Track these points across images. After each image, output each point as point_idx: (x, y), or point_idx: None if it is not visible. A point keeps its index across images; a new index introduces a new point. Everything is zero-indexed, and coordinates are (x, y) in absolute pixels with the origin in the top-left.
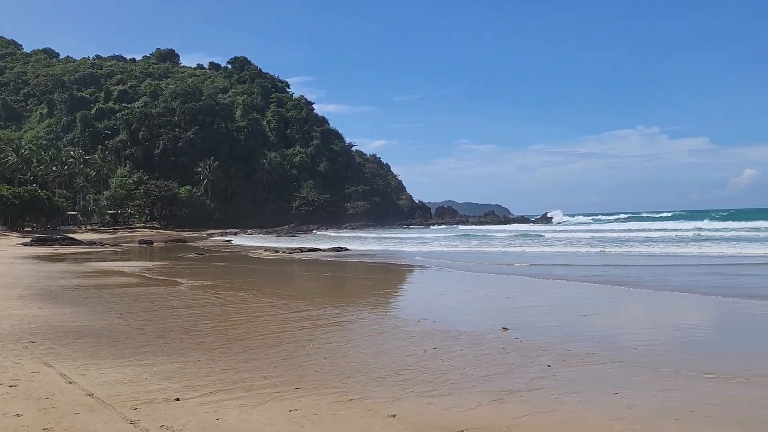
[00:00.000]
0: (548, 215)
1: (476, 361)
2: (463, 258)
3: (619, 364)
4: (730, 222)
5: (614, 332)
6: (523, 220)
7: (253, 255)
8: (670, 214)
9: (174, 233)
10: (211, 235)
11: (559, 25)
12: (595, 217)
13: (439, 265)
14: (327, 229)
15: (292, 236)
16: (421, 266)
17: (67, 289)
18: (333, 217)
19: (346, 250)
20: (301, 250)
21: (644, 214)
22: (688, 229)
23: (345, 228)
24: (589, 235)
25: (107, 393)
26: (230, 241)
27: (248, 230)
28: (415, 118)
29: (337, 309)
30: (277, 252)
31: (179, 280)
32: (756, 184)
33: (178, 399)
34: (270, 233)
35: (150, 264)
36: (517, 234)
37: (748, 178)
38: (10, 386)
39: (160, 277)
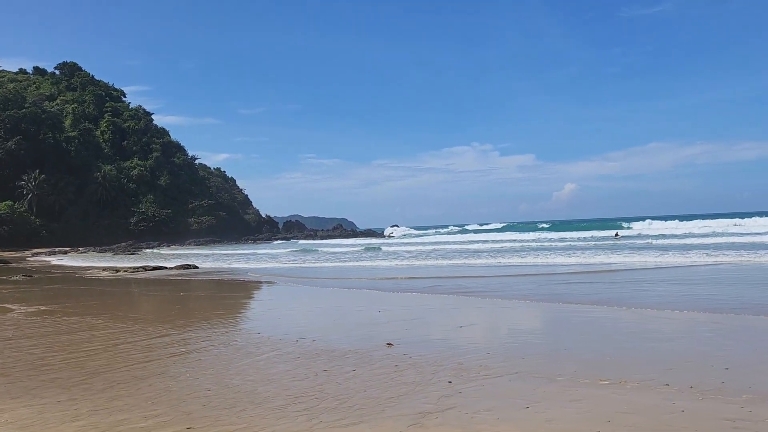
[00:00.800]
0: (390, 229)
1: (374, 382)
2: (317, 273)
3: (516, 375)
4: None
5: (496, 342)
6: (370, 233)
7: (90, 276)
8: (501, 225)
9: None
10: (37, 254)
11: (400, 46)
12: (438, 229)
13: (296, 282)
14: (170, 246)
15: (132, 254)
16: (276, 283)
17: None
18: (176, 233)
19: (195, 267)
20: (145, 268)
21: (491, 225)
22: (525, 240)
23: (189, 244)
24: (432, 248)
25: None
26: (61, 260)
27: (80, 248)
28: (260, 131)
29: (203, 331)
30: (117, 271)
31: (9, 306)
32: (575, 197)
33: None
34: (106, 251)
35: None
36: (365, 247)
37: (569, 192)
38: None
39: None
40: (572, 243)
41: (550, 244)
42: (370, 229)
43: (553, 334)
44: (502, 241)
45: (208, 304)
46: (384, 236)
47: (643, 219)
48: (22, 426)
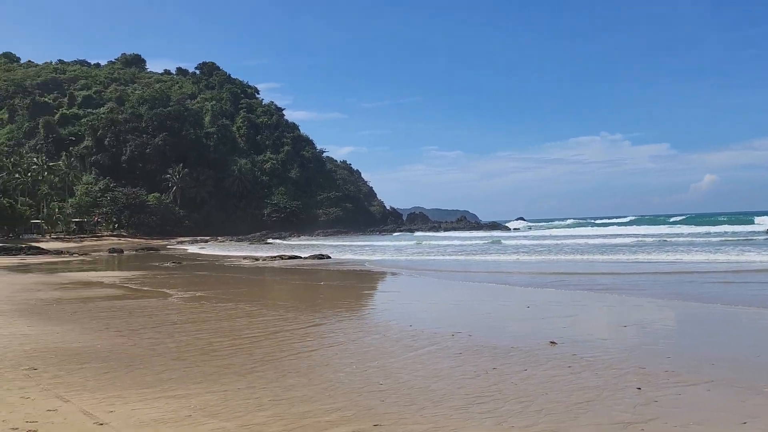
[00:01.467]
0: (515, 222)
1: (552, 384)
2: (448, 266)
3: (712, 384)
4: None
5: (672, 345)
6: (494, 225)
7: (233, 264)
8: (629, 219)
9: (143, 241)
10: (181, 242)
11: (522, 36)
12: (560, 221)
13: (428, 274)
14: (299, 236)
15: (265, 243)
16: (408, 275)
17: (48, 302)
18: (305, 224)
19: (328, 257)
20: (282, 257)
21: (617, 219)
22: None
23: (318, 235)
24: (558, 242)
25: None
26: (203, 249)
27: (219, 238)
28: (383, 125)
29: (353, 321)
30: (256, 260)
31: (167, 291)
32: (715, 188)
33: None
34: (242, 241)
35: (128, 274)
36: (491, 240)
37: (709, 183)
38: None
39: (145, 288)
40: (717, 238)
41: (688, 239)
42: (494, 222)
43: (731, 339)
44: (635, 235)
45: (349, 294)
46: (509, 229)
47: None
48: (212, 413)
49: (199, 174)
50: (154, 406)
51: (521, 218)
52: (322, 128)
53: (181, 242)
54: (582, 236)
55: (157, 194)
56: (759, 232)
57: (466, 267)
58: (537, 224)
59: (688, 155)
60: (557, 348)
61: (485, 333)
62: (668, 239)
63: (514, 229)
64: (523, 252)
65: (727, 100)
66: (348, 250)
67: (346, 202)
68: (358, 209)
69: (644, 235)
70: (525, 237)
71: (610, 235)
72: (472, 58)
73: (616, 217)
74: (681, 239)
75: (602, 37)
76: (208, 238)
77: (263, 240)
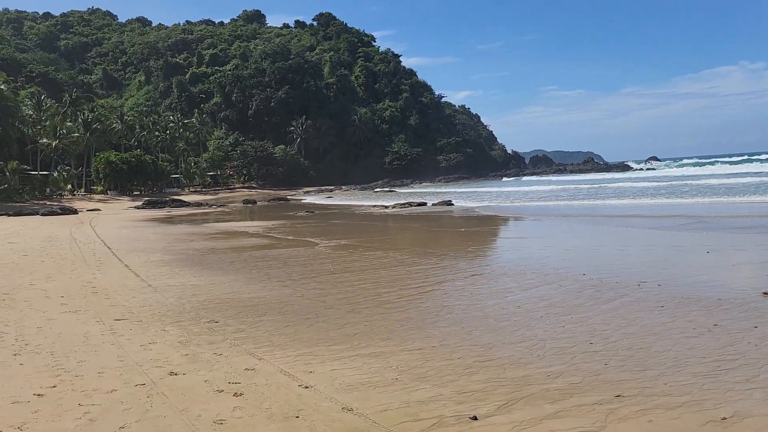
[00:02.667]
0: (650, 162)
1: None
2: (615, 210)
3: None
4: None
5: None
6: (624, 167)
7: (364, 212)
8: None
9: (272, 192)
10: (308, 192)
11: None
12: (701, 160)
13: (582, 221)
14: (421, 183)
15: (389, 192)
16: (555, 220)
17: (204, 252)
18: (426, 170)
19: (452, 204)
20: (410, 204)
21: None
22: None
23: (439, 181)
24: (705, 181)
25: (372, 408)
26: (330, 198)
27: (343, 187)
28: (499, 67)
29: (514, 270)
30: (386, 208)
31: (312, 240)
32: None
33: (474, 418)
34: (365, 189)
35: (267, 223)
36: (619, 181)
37: None
38: (236, 395)
39: (290, 238)
40: None
41: None
42: (623, 162)
43: None
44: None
45: (496, 241)
46: (639, 169)
47: None
48: (419, 376)
49: (321, 125)
50: (353, 366)
51: (654, 157)
52: (437, 73)
53: (308, 192)
54: (715, 175)
55: (282, 146)
56: None
57: (615, 211)
58: (670, 163)
59: None
60: None
61: (674, 282)
62: None
63: (648, 169)
64: (681, 194)
65: None
66: (474, 196)
67: (467, 147)
68: (478, 154)
69: None
70: (670, 177)
71: (740, 173)
72: None
73: (757, 154)
74: None
75: None
76: (332, 187)
77: (385, 188)
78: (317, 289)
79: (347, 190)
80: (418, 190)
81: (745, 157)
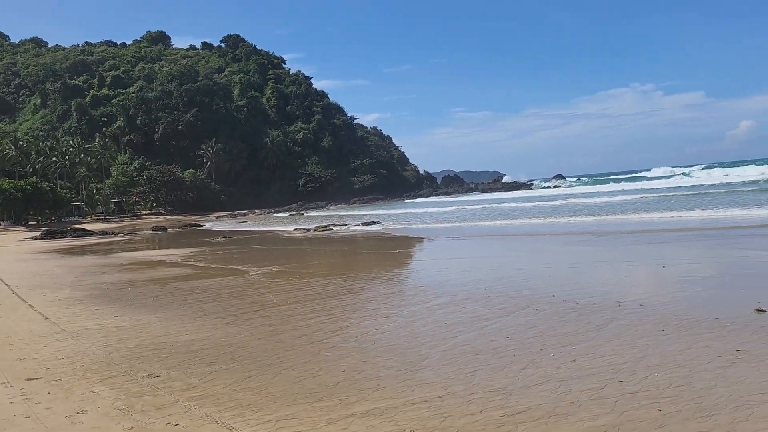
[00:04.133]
0: (554, 180)
1: None
2: (545, 228)
3: None
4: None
5: None
6: (530, 185)
7: (286, 236)
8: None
9: (182, 218)
10: (220, 218)
11: None
12: (599, 178)
13: (531, 240)
14: (336, 205)
15: (305, 215)
16: (499, 239)
17: (122, 287)
18: (340, 192)
19: (379, 223)
20: (332, 227)
21: (645, 173)
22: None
23: (354, 203)
24: (639, 196)
25: None
26: (244, 222)
27: (256, 211)
28: (407, 89)
29: (484, 298)
30: (308, 231)
31: (239, 267)
32: (753, 134)
33: None
34: (280, 212)
35: (185, 251)
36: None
37: (745, 130)
38: None
39: (214, 266)
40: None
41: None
42: (530, 180)
43: None
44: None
45: (434, 264)
46: (549, 187)
47: None
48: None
49: (232, 148)
50: None
51: (560, 175)
52: (347, 96)
53: (220, 217)
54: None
55: (192, 170)
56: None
57: (543, 229)
58: (576, 180)
59: (723, 102)
60: (766, 315)
61: (653, 301)
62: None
63: (554, 186)
64: (590, 212)
65: (762, 40)
66: (395, 217)
67: (380, 169)
68: (392, 175)
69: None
70: (576, 195)
71: (613, 192)
72: (493, 13)
73: (645, 170)
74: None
75: None
76: (245, 211)
77: (301, 211)
78: (266, 325)
79: (261, 214)
80: (333, 213)
81: (641, 173)
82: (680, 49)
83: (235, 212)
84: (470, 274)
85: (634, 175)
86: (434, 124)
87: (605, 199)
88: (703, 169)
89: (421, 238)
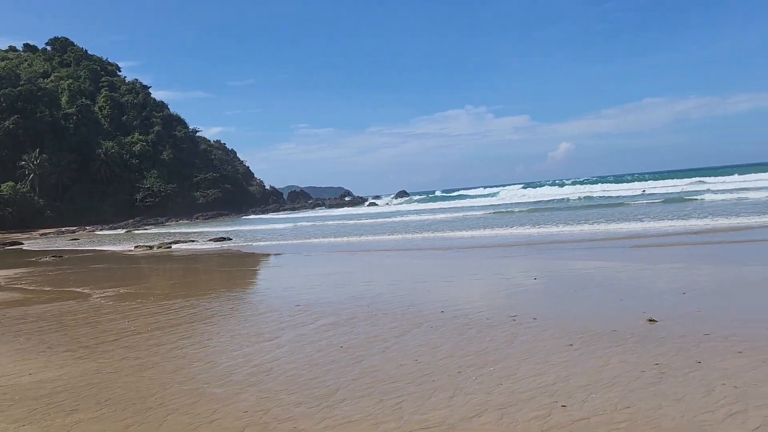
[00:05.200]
0: (397, 198)
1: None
2: (396, 244)
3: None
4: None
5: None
6: (375, 201)
7: (127, 254)
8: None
9: (1, 236)
10: (46, 235)
11: (385, 10)
12: (445, 193)
13: (388, 255)
14: (178, 221)
15: (144, 231)
16: (356, 254)
17: None
18: (183, 207)
19: (230, 240)
20: (179, 243)
21: (472, 191)
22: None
23: (198, 218)
24: (483, 212)
25: None
26: (77, 240)
27: (88, 227)
28: (251, 104)
29: (370, 316)
30: (151, 248)
31: (78, 290)
32: (570, 156)
33: None
34: (116, 228)
35: (9, 273)
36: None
37: (564, 151)
38: None
39: (47, 289)
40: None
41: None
42: (376, 196)
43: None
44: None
45: (304, 279)
46: (391, 204)
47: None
48: None
49: (59, 159)
50: None
51: (403, 192)
52: (187, 108)
53: (45, 234)
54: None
55: (11, 183)
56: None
57: (400, 245)
58: (418, 197)
59: (546, 125)
60: (659, 326)
61: (545, 314)
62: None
63: (388, 203)
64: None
65: (580, 72)
66: (244, 233)
67: (225, 183)
68: (237, 190)
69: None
70: (422, 211)
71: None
72: (339, 32)
73: (473, 188)
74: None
75: (469, 13)
76: (75, 228)
77: (139, 227)
78: (131, 358)
79: (94, 231)
80: (177, 230)
81: (470, 191)
82: (509, 76)
83: (63, 229)
84: (345, 291)
85: (461, 192)
86: (279, 139)
87: (438, 215)
88: (544, 186)
89: (278, 254)
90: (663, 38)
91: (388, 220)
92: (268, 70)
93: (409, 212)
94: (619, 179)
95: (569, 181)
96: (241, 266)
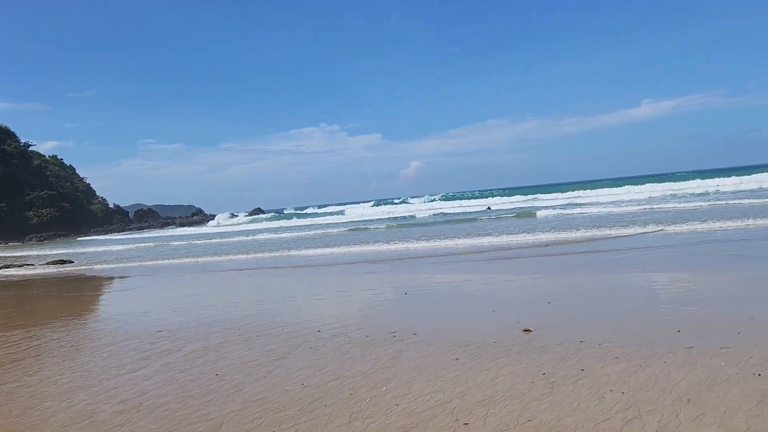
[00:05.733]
0: (247, 214)
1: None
2: (282, 262)
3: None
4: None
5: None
6: (228, 219)
7: None
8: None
9: None
10: None
11: (243, 23)
12: (300, 210)
13: (250, 273)
14: (8, 243)
15: None
16: (211, 273)
17: None
18: (13, 228)
19: (71, 262)
20: (11, 267)
21: (322, 209)
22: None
23: (31, 240)
24: (320, 231)
25: None
26: None
27: None
28: (93, 117)
29: (243, 340)
30: None
31: None
32: (421, 174)
33: None
34: None
35: None
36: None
37: (414, 169)
38: None
39: None
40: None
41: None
42: (233, 214)
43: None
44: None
45: (160, 303)
46: (239, 223)
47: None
48: None
49: None
50: None
51: (259, 209)
52: (19, 120)
53: None
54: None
55: None
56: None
57: (251, 264)
58: (272, 215)
59: (397, 144)
60: (534, 335)
61: (421, 328)
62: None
63: (236, 222)
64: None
65: (429, 93)
66: (85, 256)
67: (63, 202)
68: (77, 209)
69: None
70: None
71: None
72: (193, 46)
73: (327, 205)
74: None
75: (323, 33)
76: None
77: None
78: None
79: None
80: (8, 254)
81: (321, 210)
82: (362, 96)
83: None
84: (211, 313)
85: (309, 210)
86: (124, 154)
87: (293, 233)
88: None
89: (127, 277)
90: (507, 62)
91: (245, 238)
92: (109, 80)
93: (264, 230)
94: (467, 196)
95: (421, 199)
96: (87, 291)
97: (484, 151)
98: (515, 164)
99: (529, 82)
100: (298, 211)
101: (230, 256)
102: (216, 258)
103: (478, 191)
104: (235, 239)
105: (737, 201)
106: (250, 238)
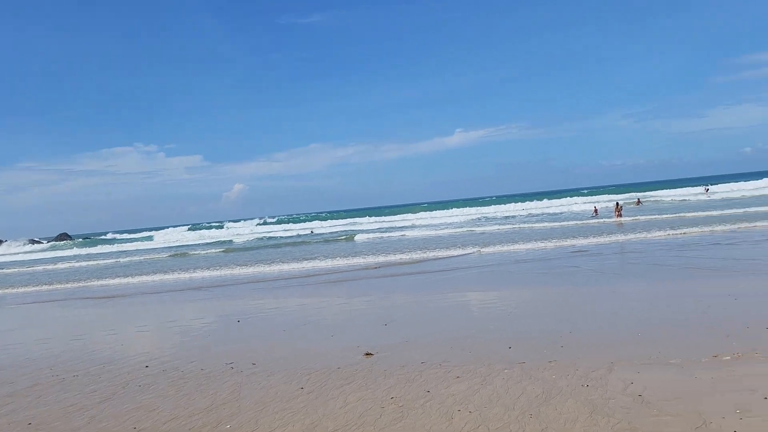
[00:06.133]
0: (60, 238)
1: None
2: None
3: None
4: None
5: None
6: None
7: None
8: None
9: None
10: None
11: (58, 35)
12: (118, 235)
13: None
14: None
15: None
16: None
17: None
18: None
19: None
20: None
21: (138, 234)
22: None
23: None
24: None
25: None
26: None
27: None
28: None
29: (90, 382)
30: None
31: None
32: (244, 196)
33: None
34: None
35: None
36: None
37: (238, 192)
38: None
39: None
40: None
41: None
42: (35, 240)
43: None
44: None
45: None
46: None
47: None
48: None
49: None
50: None
51: (65, 234)
52: None
53: None
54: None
55: None
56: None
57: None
58: (80, 240)
59: (220, 166)
60: (376, 358)
61: (261, 358)
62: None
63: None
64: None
65: (252, 115)
66: None
67: None
68: None
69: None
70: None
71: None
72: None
73: (145, 230)
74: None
75: (138, 48)
76: None
77: None
78: None
79: None
80: None
81: (136, 235)
82: (181, 116)
83: None
84: (16, 352)
85: (111, 237)
86: None
87: (108, 260)
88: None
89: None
90: (326, 90)
91: (49, 267)
92: None
93: (72, 257)
94: (294, 219)
95: (245, 222)
96: None
97: (307, 175)
98: (336, 188)
99: (352, 108)
100: (102, 237)
101: (31, 288)
102: (12, 290)
103: (304, 214)
104: (39, 268)
105: (541, 225)
106: (53, 266)
